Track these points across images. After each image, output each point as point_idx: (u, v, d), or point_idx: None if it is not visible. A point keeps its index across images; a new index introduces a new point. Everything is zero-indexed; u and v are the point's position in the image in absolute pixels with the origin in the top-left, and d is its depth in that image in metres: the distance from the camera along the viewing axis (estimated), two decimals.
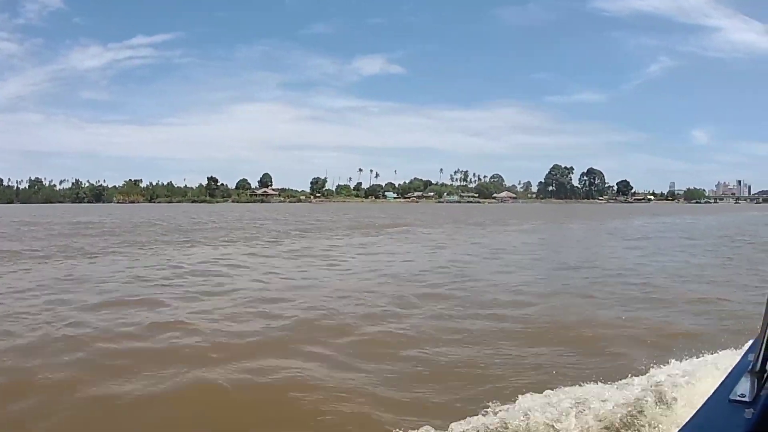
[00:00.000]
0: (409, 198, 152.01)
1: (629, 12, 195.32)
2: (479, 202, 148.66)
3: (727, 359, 4.87)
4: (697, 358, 5.73)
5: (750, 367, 1.79)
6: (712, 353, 5.80)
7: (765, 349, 1.78)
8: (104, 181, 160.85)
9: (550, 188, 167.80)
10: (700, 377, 5.08)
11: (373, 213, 65.41)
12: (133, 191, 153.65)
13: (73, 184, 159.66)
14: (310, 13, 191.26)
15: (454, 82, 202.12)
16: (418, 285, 12.14)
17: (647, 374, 5.52)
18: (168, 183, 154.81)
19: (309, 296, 10.75)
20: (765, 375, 1.77)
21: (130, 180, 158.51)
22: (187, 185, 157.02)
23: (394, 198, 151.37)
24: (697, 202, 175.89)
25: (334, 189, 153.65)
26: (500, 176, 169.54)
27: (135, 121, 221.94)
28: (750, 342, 2.14)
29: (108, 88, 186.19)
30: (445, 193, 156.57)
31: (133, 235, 28.77)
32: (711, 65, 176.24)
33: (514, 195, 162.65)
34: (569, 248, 23.37)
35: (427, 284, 12.33)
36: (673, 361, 5.71)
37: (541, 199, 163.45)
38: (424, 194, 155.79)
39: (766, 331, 1.76)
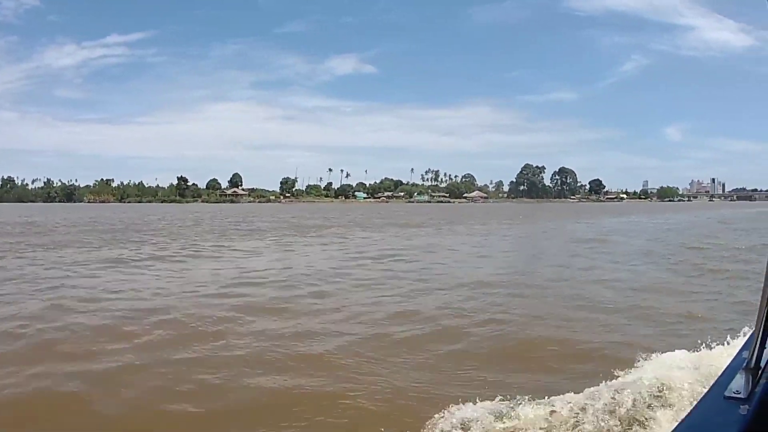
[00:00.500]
0: (379, 198, 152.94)
1: (603, 11, 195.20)
2: (450, 202, 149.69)
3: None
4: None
5: (745, 363, 1.81)
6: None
7: (760, 345, 1.79)
8: (76, 180, 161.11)
9: (522, 188, 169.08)
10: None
11: (327, 214, 65.83)
12: (104, 191, 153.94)
13: (45, 183, 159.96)
14: (285, 11, 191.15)
15: (427, 81, 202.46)
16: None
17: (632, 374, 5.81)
18: (139, 183, 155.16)
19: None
20: (760, 371, 1.78)
21: (102, 179, 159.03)
22: (160, 185, 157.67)
23: (364, 198, 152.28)
24: (670, 201, 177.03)
25: (304, 189, 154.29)
26: (472, 176, 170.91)
27: (109, 119, 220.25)
28: (745, 338, 2.07)
29: (82, 86, 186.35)
30: (415, 193, 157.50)
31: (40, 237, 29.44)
32: (685, 63, 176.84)
33: (485, 195, 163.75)
34: (500, 254, 21.91)
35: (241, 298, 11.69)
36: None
37: (513, 198, 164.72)
38: (395, 194, 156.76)
39: (761, 328, 1.77)
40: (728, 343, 6.16)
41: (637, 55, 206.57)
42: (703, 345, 6.31)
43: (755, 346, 1.80)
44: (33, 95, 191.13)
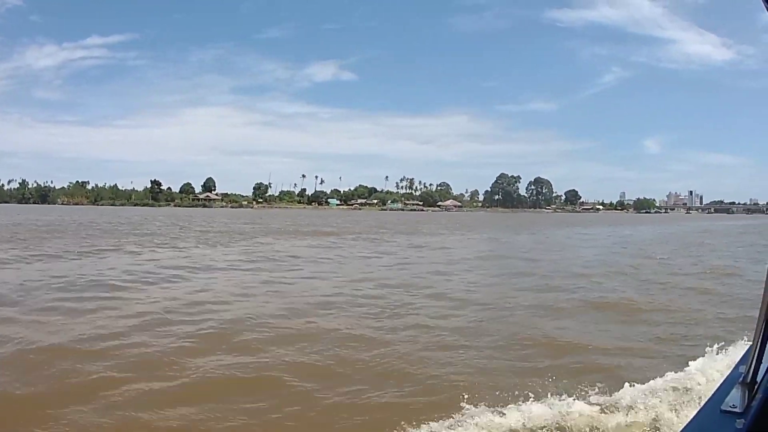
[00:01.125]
0: (352, 205, 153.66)
1: (583, 23, 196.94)
2: (422, 210, 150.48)
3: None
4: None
5: (741, 378, 1.81)
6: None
7: (756, 359, 1.79)
8: (52, 182, 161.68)
9: (497, 197, 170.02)
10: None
11: (270, 221, 65.99)
12: (78, 193, 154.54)
13: (20, 184, 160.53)
14: (265, 17, 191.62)
15: (406, 90, 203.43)
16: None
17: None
18: (113, 186, 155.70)
19: None
20: (756, 386, 1.78)
21: (78, 182, 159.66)
22: (135, 188, 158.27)
23: (337, 205, 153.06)
24: (647, 212, 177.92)
25: (277, 195, 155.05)
26: (447, 184, 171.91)
27: (87, 122, 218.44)
28: (742, 353, 2.15)
29: (61, 87, 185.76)
30: (389, 201, 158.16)
31: None
32: (665, 76, 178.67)
33: (459, 203, 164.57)
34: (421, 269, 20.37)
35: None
36: None
37: (487, 207, 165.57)
38: (368, 201, 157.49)
39: (758, 342, 1.78)
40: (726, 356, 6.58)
41: (617, 67, 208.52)
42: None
43: (752, 361, 1.80)
44: (13, 96, 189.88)
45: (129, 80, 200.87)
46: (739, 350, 6.57)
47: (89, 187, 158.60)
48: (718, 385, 1.91)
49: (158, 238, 34.47)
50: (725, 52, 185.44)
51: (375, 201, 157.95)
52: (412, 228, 54.26)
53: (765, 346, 1.82)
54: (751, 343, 1.86)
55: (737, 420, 1.63)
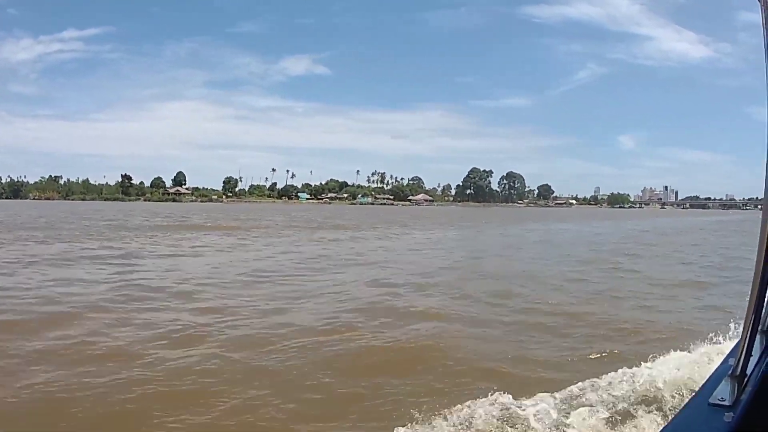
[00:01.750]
0: (322, 199, 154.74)
1: (560, 19, 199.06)
2: (393, 204, 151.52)
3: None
4: None
5: (731, 370, 1.80)
6: None
7: (746, 353, 1.78)
8: (25, 177, 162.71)
9: (469, 191, 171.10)
10: None
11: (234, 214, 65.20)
12: (50, 188, 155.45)
13: None
14: (240, 11, 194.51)
15: (381, 84, 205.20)
16: None
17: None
18: (84, 180, 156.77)
19: None
20: (745, 379, 1.77)
21: (51, 176, 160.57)
22: (109, 183, 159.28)
23: (307, 199, 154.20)
24: (620, 207, 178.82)
25: (247, 189, 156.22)
26: (420, 178, 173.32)
27: (63, 116, 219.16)
28: (732, 345, 2.14)
29: (37, 81, 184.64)
30: (359, 195, 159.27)
31: None
32: (642, 73, 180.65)
33: (430, 197, 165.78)
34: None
35: None
36: None
37: (459, 202, 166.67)
38: (338, 196, 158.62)
39: (747, 335, 1.77)
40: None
41: (593, 64, 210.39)
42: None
43: (741, 353, 1.78)
44: None
45: (104, 74, 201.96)
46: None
47: (62, 181, 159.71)
48: (707, 378, 1.89)
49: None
50: (703, 50, 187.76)
51: (345, 195, 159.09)
52: (388, 223, 51.45)
53: (754, 339, 1.81)
54: (740, 336, 1.83)
55: (726, 413, 1.61)
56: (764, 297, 1.79)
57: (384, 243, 30.82)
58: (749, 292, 1.75)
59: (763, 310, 1.89)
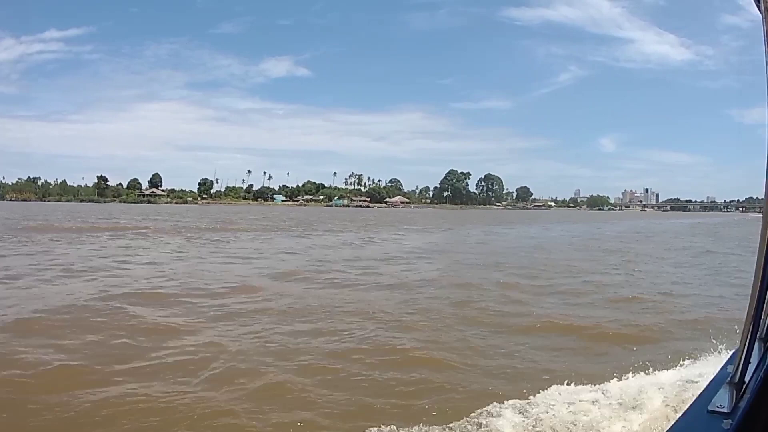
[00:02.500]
0: (297, 201, 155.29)
1: (540, 21, 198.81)
2: (369, 206, 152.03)
3: None
4: None
5: (729, 378, 1.80)
6: None
7: (744, 360, 1.79)
8: (3, 177, 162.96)
9: (446, 193, 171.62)
10: None
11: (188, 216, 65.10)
12: (27, 189, 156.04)
13: None
14: (221, 12, 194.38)
15: (360, 86, 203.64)
16: None
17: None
18: (62, 181, 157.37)
19: None
20: (744, 386, 1.77)
21: (29, 177, 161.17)
22: (87, 184, 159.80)
23: (282, 201, 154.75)
24: (600, 209, 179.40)
25: (222, 191, 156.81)
26: (398, 180, 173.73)
27: (42, 116, 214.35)
28: (730, 353, 2.08)
29: (18, 82, 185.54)
30: (335, 197, 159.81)
31: None
32: (622, 75, 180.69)
33: (407, 200, 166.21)
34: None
35: None
36: None
37: (436, 204, 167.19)
38: (314, 198, 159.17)
39: (745, 343, 1.77)
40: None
41: (573, 66, 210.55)
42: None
43: (740, 361, 1.78)
44: None
45: (84, 74, 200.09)
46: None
47: (40, 183, 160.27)
48: (706, 385, 1.89)
49: None
50: (684, 53, 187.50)
51: (322, 197, 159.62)
52: (356, 225, 50.60)
53: (753, 347, 1.81)
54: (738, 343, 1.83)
55: (724, 420, 1.61)
56: (762, 305, 1.81)
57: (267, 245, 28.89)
58: (747, 301, 1.77)
59: (761, 318, 1.90)
